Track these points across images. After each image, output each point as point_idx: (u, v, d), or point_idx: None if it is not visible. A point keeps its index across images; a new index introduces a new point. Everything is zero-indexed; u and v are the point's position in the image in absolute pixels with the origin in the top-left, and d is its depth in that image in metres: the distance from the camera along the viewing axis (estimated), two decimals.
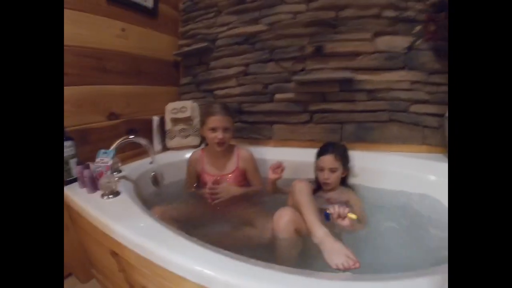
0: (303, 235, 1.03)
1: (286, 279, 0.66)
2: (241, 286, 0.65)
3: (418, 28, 1.51)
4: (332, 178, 1.34)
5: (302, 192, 1.10)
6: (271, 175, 1.35)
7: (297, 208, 1.08)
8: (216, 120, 1.35)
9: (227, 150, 1.45)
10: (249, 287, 0.65)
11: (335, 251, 0.87)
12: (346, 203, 1.25)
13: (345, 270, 0.82)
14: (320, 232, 0.95)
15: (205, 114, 1.43)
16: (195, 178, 1.53)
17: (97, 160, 1.26)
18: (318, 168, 1.39)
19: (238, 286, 0.65)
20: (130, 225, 0.93)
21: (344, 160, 1.38)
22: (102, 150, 1.29)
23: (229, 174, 1.45)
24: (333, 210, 1.02)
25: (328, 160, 1.34)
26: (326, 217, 1.02)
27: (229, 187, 1.37)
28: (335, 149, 1.38)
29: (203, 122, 1.43)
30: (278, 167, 1.35)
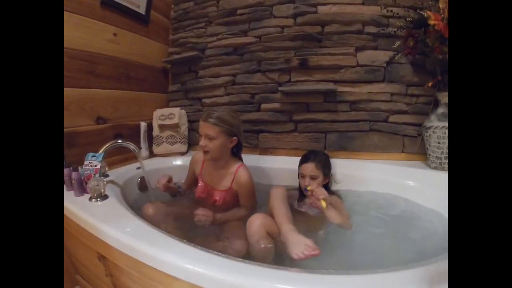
0: (275, 238, 1.06)
1: (274, 274, 0.69)
2: (232, 282, 0.67)
3: (397, 43, 1.58)
4: (313, 185, 1.39)
5: (277, 197, 1.17)
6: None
7: (271, 212, 1.14)
8: (200, 125, 1.30)
9: (226, 164, 1.38)
10: (240, 283, 0.67)
11: (295, 243, 0.93)
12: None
13: (306, 258, 0.88)
14: (285, 229, 1.01)
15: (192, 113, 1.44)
16: (193, 179, 1.50)
17: (86, 163, 1.26)
18: (300, 175, 1.44)
19: (229, 283, 0.68)
20: (119, 227, 0.93)
21: (325, 168, 1.44)
22: (91, 153, 1.29)
23: (222, 191, 1.37)
24: (314, 191, 1.18)
25: (309, 168, 1.39)
26: (305, 190, 1.17)
27: (212, 217, 1.22)
28: (316, 157, 1.43)
29: None
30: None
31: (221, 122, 1.28)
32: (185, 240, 0.86)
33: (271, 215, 1.13)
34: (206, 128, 1.27)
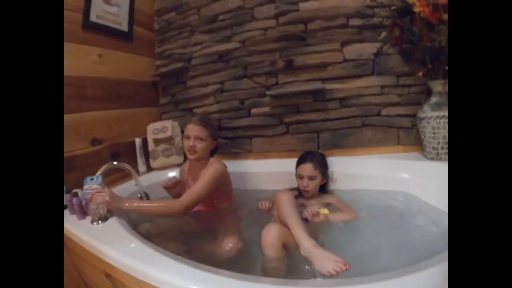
0: (290, 249, 1.05)
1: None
2: None
3: (383, 34, 1.56)
4: (311, 185, 1.41)
5: (287, 205, 1.13)
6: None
7: (281, 220, 1.12)
8: (189, 128, 1.39)
9: (204, 162, 1.44)
10: None
11: (324, 259, 0.90)
12: (328, 205, 1.35)
13: (338, 274, 0.87)
14: (307, 244, 0.98)
15: (185, 123, 1.47)
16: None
17: (85, 187, 1.27)
18: (298, 176, 1.46)
19: None
20: (121, 248, 0.98)
21: (322, 168, 1.46)
22: (89, 177, 1.29)
23: None
24: (307, 213, 1.15)
25: (307, 168, 1.42)
26: (305, 221, 1.11)
27: (112, 196, 1.21)
28: (313, 157, 1.46)
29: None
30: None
31: (209, 126, 1.42)
32: (180, 257, 0.90)
33: (282, 222, 1.12)
34: (196, 130, 1.37)
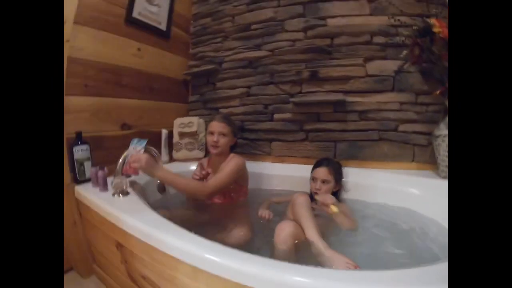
0: (299, 246, 1.09)
1: (265, 263, 0.77)
2: (228, 266, 0.76)
3: (404, 52, 1.60)
4: (323, 189, 1.43)
5: (302, 206, 1.18)
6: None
7: (296, 219, 1.17)
8: (213, 125, 1.51)
9: (225, 157, 1.54)
10: (234, 267, 0.75)
11: (336, 260, 0.95)
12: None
13: None
14: (320, 245, 1.02)
15: (209, 121, 1.57)
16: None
17: (131, 147, 1.33)
18: (312, 179, 1.50)
19: (225, 266, 0.77)
20: (137, 217, 1.06)
21: (337, 175, 1.49)
22: (136, 139, 1.36)
23: None
24: (320, 198, 1.22)
25: (322, 171, 1.46)
26: (311, 199, 1.19)
27: (151, 159, 1.27)
28: (329, 163, 1.50)
29: (207, 129, 1.57)
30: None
31: (231, 123, 1.54)
32: (193, 232, 0.95)
33: (296, 221, 1.15)
34: (220, 126, 1.49)
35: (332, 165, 1.50)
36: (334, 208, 1.20)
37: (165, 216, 1.30)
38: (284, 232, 1.08)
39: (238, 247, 1.17)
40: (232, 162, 1.45)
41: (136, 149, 1.30)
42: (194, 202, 1.53)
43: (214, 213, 1.51)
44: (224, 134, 1.49)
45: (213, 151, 1.50)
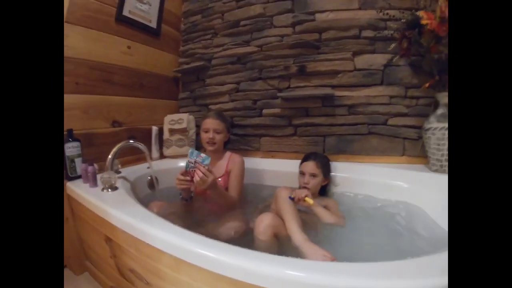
0: (281, 239, 1.10)
1: (245, 253, 0.79)
2: (209, 257, 0.78)
3: (392, 45, 1.59)
4: (312, 183, 1.45)
5: (284, 200, 1.18)
6: None
7: (278, 213, 1.17)
8: (209, 122, 1.53)
9: (220, 154, 1.58)
10: (216, 258, 0.77)
11: (314, 252, 0.96)
12: (325, 207, 1.37)
13: None
14: (299, 237, 1.03)
15: (202, 118, 1.59)
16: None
17: (191, 160, 1.23)
18: (300, 173, 1.51)
19: (206, 257, 0.78)
20: (123, 211, 1.08)
21: (325, 168, 1.51)
22: (195, 151, 1.23)
23: (219, 177, 1.50)
24: (295, 194, 1.20)
25: (310, 166, 1.47)
26: (291, 200, 1.18)
27: (216, 180, 1.28)
28: (317, 157, 1.52)
29: (201, 126, 1.58)
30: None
31: (225, 120, 1.58)
32: (177, 225, 0.96)
33: (278, 216, 1.15)
34: (215, 124, 1.53)
35: (320, 159, 1.52)
36: (309, 200, 1.21)
37: (161, 208, 1.34)
38: (263, 223, 1.09)
39: (233, 240, 1.20)
40: (239, 166, 1.54)
41: (201, 166, 1.21)
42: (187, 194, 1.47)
43: (207, 205, 1.51)
44: (219, 131, 1.53)
45: (209, 148, 1.52)
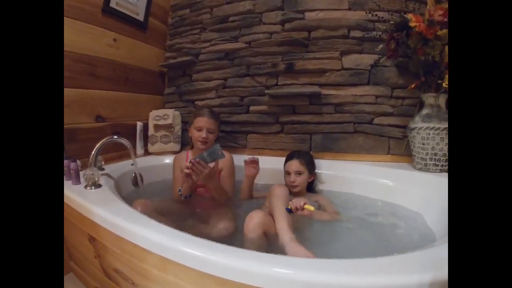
0: (270, 237, 1.10)
1: (233, 251, 0.78)
2: (196, 255, 0.77)
3: (380, 46, 1.62)
4: (298, 180, 1.47)
5: (278, 197, 1.17)
6: (249, 171, 1.48)
7: (270, 210, 1.17)
8: (202, 120, 1.51)
9: None
10: (202, 257, 0.76)
11: (297, 253, 0.96)
12: (317, 202, 1.40)
13: None
14: (286, 237, 1.03)
15: (194, 115, 1.56)
16: (181, 179, 1.48)
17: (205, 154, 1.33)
18: (286, 173, 1.53)
19: (190, 255, 0.77)
20: (107, 209, 1.05)
21: (309, 165, 1.53)
22: (208, 152, 1.33)
23: None
24: (292, 205, 1.17)
25: (294, 164, 1.49)
26: (289, 212, 1.15)
27: (213, 172, 1.37)
28: (300, 155, 1.53)
29: (191, 122, 1.56)
30: (253, 161, 1.47)
31: (218, 119, 1.60)
32: (162, 223, 0.94)
33: (271, 214, 1.15)
34: (209, 123, 1.52)
35: (303, 156, 1.54)
36: (309, 207, 1.18)
37: (145, 206, 1.29)
38: (252, 221, 1.09)
39: (222, 239, 1.19)
40: (228, 164, 1.55)
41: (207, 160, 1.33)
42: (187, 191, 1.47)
43: (195, 204, 1.51)
44: (212, 131, 1.53)
45: (201, 146, 1.51)
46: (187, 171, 1.30)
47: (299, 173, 1.48)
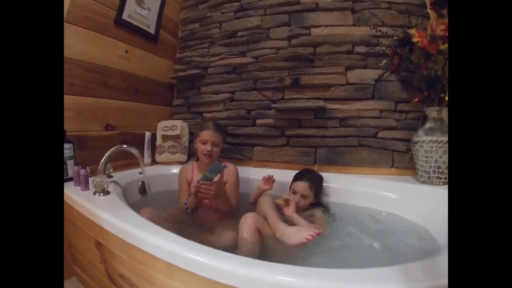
0: (264, 237, 1.17)
1: (239, 259, 0.79)
2: (202, 263, 0.78)
3: (384, 61, 1.64)
4: (302, 203, 1.46)
5: (266, 203, 1.31)
6: (262, 186, 1.59)
7: (262, 215, 1.26)
8: (207, 134, 1.52)
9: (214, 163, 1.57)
10: (209, 264, 0.77)
11: (299, 231, 1.04)
12: (311, 216, 1.43)
13: (313, 238, 1.02)
14: (281, 226, 1.13)
15: (199, 128, 1.58)
16: (187, 191, 1.54)
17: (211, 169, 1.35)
18: (292, 191, 1.52)
19: (197, 262, 0.79)
20: (116, 215, 1.07)
21: (317, 189, 1.53)
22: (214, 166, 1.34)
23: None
24: (286, 213, 1.32)
25: (303, 186, 1.47)
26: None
27: (221, 187, 1.41)
28: (311, 177, 1.52)
29: (196, 135, 1.58)
30: (270, 178, 1.59)
31: (223, 132, 1.61)
32: (169, 231, 0.96)
33: (263, 217, 1.25)
34: (215, 136, 1.53)
35: (313, 180, 1.52)
36: (279, 201, 1.35)
37: (151, 215, 1.32)
38: (246, 221, 1.17)
39: (227, 249, 1.21)
40: (233, 176, 1.57)
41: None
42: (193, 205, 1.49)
43: (200, 214, 1.53)
44: (217, 144, 1.54)
45: (206, 160, 1.53)
46: (194, 190, 1.33)
47: (304, 197, 1.47)
